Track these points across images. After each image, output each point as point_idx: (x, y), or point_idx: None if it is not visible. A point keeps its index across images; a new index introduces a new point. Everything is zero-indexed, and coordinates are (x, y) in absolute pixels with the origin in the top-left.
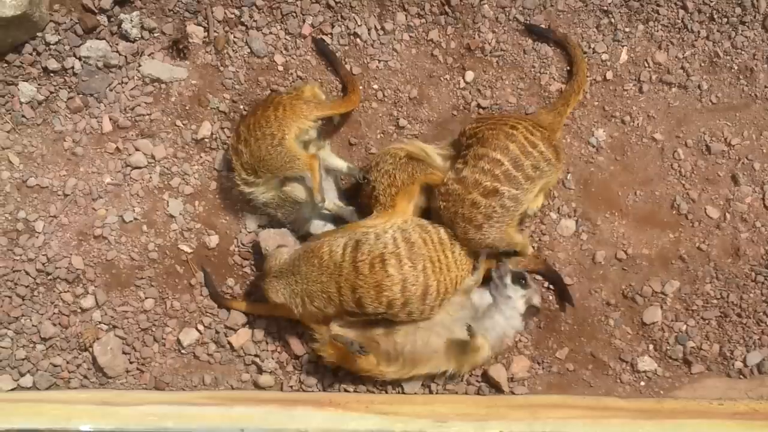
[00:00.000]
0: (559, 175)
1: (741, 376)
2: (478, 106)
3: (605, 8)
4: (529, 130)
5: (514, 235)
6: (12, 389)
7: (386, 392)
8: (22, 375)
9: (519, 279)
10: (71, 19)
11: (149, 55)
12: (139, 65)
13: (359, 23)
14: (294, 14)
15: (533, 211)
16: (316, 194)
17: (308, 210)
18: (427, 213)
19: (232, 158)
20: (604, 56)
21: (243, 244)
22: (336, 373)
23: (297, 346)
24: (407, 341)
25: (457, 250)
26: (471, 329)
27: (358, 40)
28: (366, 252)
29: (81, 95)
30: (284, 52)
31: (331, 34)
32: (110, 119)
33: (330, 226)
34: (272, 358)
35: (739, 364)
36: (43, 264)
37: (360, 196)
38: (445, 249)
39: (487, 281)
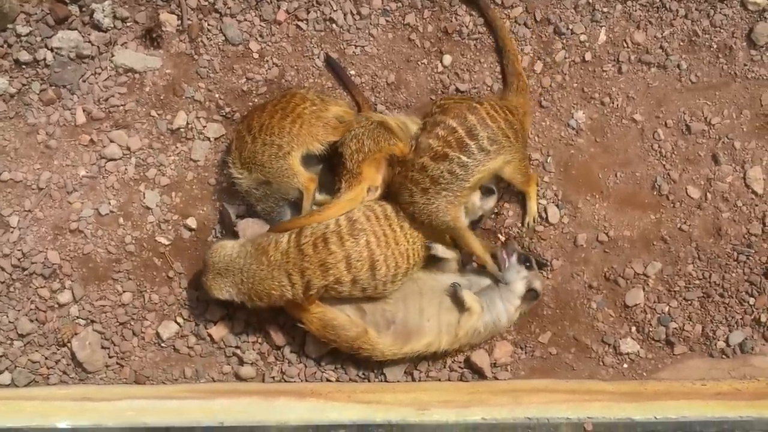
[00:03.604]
0: (518, 162)
1: (723, 356)
2: (457, 90)
3: None
4: (494, 107)
5: (459, 216)
6: None
7: (369, 380)
8: (0, 372)
9: (525, 260)
10: (42, 10)
11: (122, 45)
12: (112, 55)
13: (335, 8)
14: (268, 0)
15: (531, 224)
16: (303, 212)
17: (291, 209)
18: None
19: (234, 140)
20: (583, 37)
21: (222, 235)
22: (319, 363)
23: (278, 336)
24: (398, 309)
25: (406, 224)
26: (456, 285)
27: (334, 25)
28: (309, 234)
29: (54, 87)
30: (259, 39)
31: (307, 20)
32: (84, 111)
33: None
34: (253, 350)
35: (721, 344)
36: (19, 259)
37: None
38: (391, 223)
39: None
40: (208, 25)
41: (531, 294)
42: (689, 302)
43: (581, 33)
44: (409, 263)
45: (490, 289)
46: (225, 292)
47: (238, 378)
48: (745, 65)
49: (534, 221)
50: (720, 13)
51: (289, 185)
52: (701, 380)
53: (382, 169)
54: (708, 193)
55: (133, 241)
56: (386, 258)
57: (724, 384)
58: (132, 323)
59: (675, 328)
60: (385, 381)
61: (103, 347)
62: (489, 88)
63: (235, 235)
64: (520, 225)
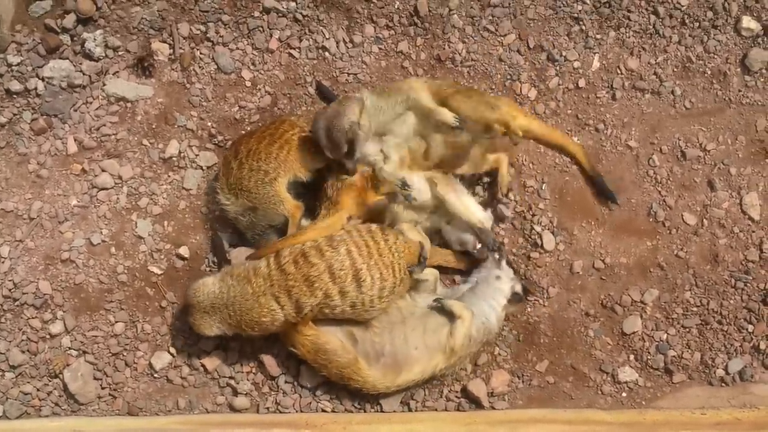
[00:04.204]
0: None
1: (723, 384)
2: None
3: (576, 15)
4: None
5: None
6: None
7: (365, 411)
8: None
9: (510, 265)
10: (34, 39)
11: (114, 74)
12: (104, 84)
13: (327, 36)
14: (261, 29)
15: (503, 191)
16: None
17: (278, 236)
18: None
19: (221, 167)
20: (576, 64)
21: (214, 264)
22: (314, 393)
23: (273, 366)
24: (385, 340)
25: (392, 238)
26: (440, 300)
27: (326, 53)
28: (287, 254)
29: (45, 116)
30: (252, 67)
31: (299, 48)
32: (75, 140)
33: None
34: (247, 380)
35: (720, 372)
36: (10, 290)
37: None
38: (374, 236)
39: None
40: (200, 53)
41: (516, 297)
42: (687, 330)
43: (575, 60)
44: (395, 277)
45: (470, 293)
46: (215, 328)
47: (232, 409)
48: (740, 91)
49: (507, 188)
50: (713, 39)
51: (275, 212)
52: (701, 409)
53: (363, 199)
54: (704, 220)
55: (126, 271)
56: (369, 268)
57: (724, 413)
58: (124, 354)
59: (673, 356)
60: (381, 411)
61: (95, 378)
62: None
63: (228, 264)
64: (515, 251)
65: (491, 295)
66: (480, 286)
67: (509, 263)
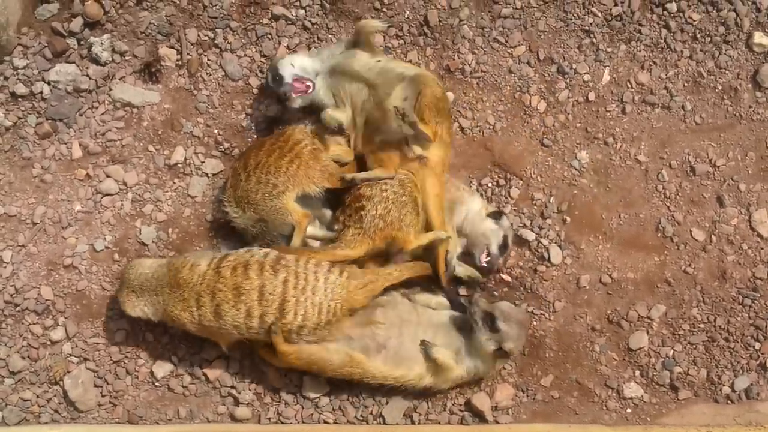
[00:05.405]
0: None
1: (729, 402)
2: (460, 128)
3: (587, 28)
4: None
5: None
6: None
7: (367, 423)
8: None
9: (489, 320)
10: (40, 43)
11: (120, 79)
12: (110, 89)
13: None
14: (269, 36)
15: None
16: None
17: (287, 244)
18: None
19: (230, 178)
20: (586, 77)
21: None
22: (316, 404)
23: (275, 377)
24: (391, 333)
25: (332, 278)
26: (426, 345)
27: None
28: (232, 259)
29: (50, 120)
30: (260, 74)
31: None
32: (80, 145)
33: None
34: (249, 390)
35: (726, 390)
36: (12, 295)
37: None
38: (318, 271)
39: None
40: (208, 60)
41: (500, 353)
42: (694, 346)
43: (585, 72)
44: (319, 318)
45: (467, 343)
46: (138, 310)
47: (234, 419)
48: (750, 107)
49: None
50: (725, 54)
51: (282, 222)
52: (706, 426)
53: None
54: (713, 236)
55: None
56: (297, 303)
57: (730, 431)
58: (126, 362)
59: (679, 373)
60: (384, 423)
61: (95, 386)
62: (491, 127)
63: None
64: (522, 264)
65: (477, 352)
66: (469, 340)
67: (488, 320)
